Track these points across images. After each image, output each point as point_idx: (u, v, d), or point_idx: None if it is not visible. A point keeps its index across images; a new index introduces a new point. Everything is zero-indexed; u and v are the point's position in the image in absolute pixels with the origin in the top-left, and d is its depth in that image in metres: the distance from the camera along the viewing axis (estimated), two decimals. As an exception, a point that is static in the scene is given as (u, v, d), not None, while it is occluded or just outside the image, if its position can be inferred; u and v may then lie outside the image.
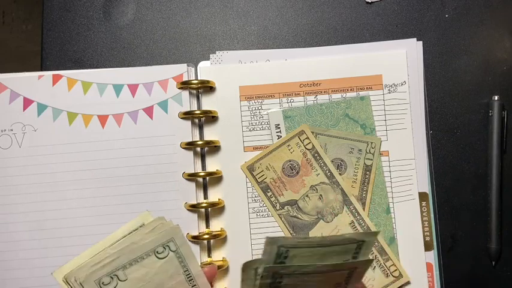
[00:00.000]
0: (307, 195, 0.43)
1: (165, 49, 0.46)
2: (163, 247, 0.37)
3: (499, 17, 0.45)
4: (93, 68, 0.46)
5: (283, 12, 0.46)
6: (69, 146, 0.43)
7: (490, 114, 0.44)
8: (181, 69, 0.43)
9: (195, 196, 0.43)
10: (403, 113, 0.44)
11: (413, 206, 0.43)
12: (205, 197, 0.44)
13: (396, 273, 0.43)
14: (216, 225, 0.43)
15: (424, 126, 0.44)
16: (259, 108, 0.44)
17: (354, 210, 0.43)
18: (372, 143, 0.44)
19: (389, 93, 0.44)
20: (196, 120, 0.44)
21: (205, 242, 0.43)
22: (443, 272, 0.43)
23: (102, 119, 0.43)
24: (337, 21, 0.46)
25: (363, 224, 0.43)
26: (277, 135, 0.44)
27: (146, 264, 0.37)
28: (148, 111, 0.43)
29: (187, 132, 0.43)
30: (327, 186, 0.43)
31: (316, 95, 0.44)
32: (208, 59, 0.46)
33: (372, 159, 0.43)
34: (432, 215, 0.44)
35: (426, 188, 0.44)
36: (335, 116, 0.44)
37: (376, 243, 0.43)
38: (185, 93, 0.43)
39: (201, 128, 0.44)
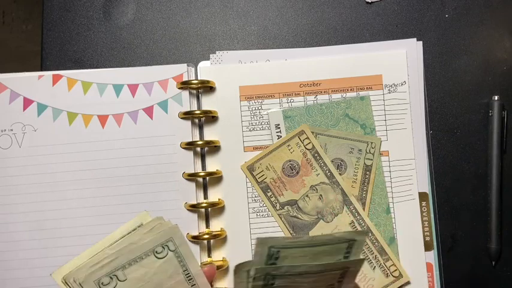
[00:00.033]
0: (307, 195, 0.43)
1: (165, 49, 0.46)
2: (162, 247, 0.37)
3: (499, 17, 0.45)
4: (93, 68, 0.46)
5: (283, 12, 0.46)
6: (69, 146, 0.43)
7: (490, 114, 0.44)
8: (181, 69, 0.43)
9: (195, 196, 0.43)
10: (403, 113, 0.44)
11: (413, 206, 0.43)
12: (205, 197, 0.44)
13: (396, 273, 0.43)
14: (216, 225, 0.43)
15: (424, 126, 0.44)
16: (259, 108, 0.44)
17: (354, 210, 0.43)
18: (372, 143, 0.44)
19: (389, 93, 0.44)
20: (196, 120, 0.44)
21: (205, 242, 0.43)
22: (443, 272, 0.43)
23: (102, 119, 0.43)
24: (337, 21, 0.46)
25: (363, 224, 0.43)
26: (277, 135, 0.44)
27: (145, 264, 0.37)
28: (148, 111, 0.43)
29: (187, 132, 0.43)
30: (327, 186, 0.43)
31: (316, 95, 0.44)
32: (208, 59, 0.46)
33: (372, 159, 0.43)
34: (432, 215, 0.44)
35: (426, 188, 0.44)
36: (335, 116, 0.44)
37: (376, 243, 0.43)
38: (185, 93, 0.43)
39: (201, 128, 0.44)
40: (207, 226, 0.43)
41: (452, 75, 0.45)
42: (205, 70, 0.44)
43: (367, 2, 0.46)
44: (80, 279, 0.36)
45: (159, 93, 0.43)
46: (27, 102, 0.43)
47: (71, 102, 0.43)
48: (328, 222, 0.43)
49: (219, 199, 0.43)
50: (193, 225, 0.42)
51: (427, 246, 0.43)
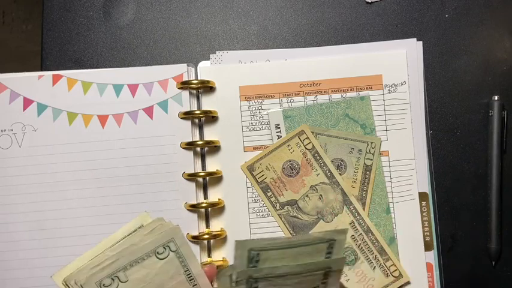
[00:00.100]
0: (307, 195, 0.43)
1: (165, 49, 0.46)
2: (164, 247, 0.37)
3: (499, 17, 0.45)
4: (93, 68, 0.46)
5: (283, 12, 0.46)
6: (69, 146, 0.43)
7: (490, 114, 0.44)
8: (181, 69, 0.43)
9: (195, 196, 0.43)
10: (403, 113, 0.44)
11: (413, 206, 0.43)
12: (205, 197, 0.44)
13: (396, 273, 0.43)
14: (216, 225, 0.43)
15: (424, 126, 0.44)
16: (259, 108, 0.44)
17: (354, 210, 0.43)
18: (372, 143, 0.44)
19: (389, 93, 0.44)
20: (196, 120, 0.44)
21: (205, 242, 0.43)
22: (443, 272, 0.43)
23: (102, 119, 0.43)
24: (337, 21, 0.46)
25: (363, 224, 0.43)
26: (277, 135, 0.44)
27: (147, 265, 0.37)
28: (148, 111, 0.43)
29: (187, 132, 0.43)
30: (327, 186, 0.43)
31: (316, 95, 0.44)
32: (208, 59, 0.46)
33: (372, 159, 0.43)
34: (432, 215, 0.44)
35: (426, 188, 0.44)
36: (335, 116, 0.44)
37: (376, 243, 0.43)
38: (185, 93, 0.43)
39: (201, 128, 0.44)
40: (207, 226, 0.43)
41: (452, 75, 0.45)
42: (205, 70, 0.44)
43: (367, 2, 0.46)
44: (81, 280, 0.36)
45: (159, 93, 0.43)
46: (27, 102, 0.43)
47: (71, 102, 0.43)
48: (328, 222, 0.43)
49: (219, 199, 0.43)
50: (193, 225, 0.42)
51: (427, 246, 0.43)
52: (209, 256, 0.43)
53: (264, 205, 0.43)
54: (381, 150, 0.44)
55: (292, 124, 0.44)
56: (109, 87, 0.43)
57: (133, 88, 0.43)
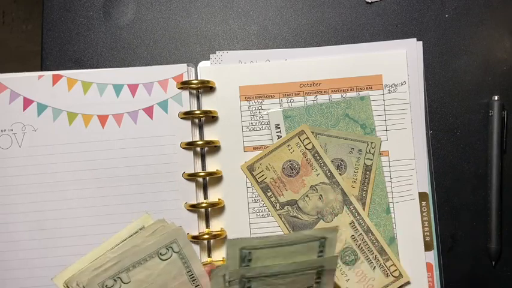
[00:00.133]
0: (307, 195, 0.43)
1: (165, 49, 0.46)
2: (167, 248, 0.37)
3: (499, 17, 0.45)
4: (93, 68, 0.46)
5: (283, 12, 0.46)
6: (69, 146, 0.43)
7: (490, 114, 0.44)
8: (181, 69, 0.43)
9: (195, 196, 0.43)
10: (403, 113, 0.44)
11: (413, 206, 0.43)
12: (205, 197, 0.44)
13: (396, 273, 0.43)
14: (216, 225, 0.43)
15: (424, 126, 0.44)
16: (259, 108, 0.44)
17: (354, 210, 0.43)
18: (372, 143, 0.44)
19: (389, 93, 0.44)
20: (196, 120, 0.44)
21: (205, 242, 0.43)
22: (443, 272, 0.43)
23: (102, 119, 0.43)
24: (337, 21, 0.46)
25: (363, 224, 0.43)
26: (277, 135, 0.44)
27: (149, 266, 0.37)
28: (148, 111, 0.43)
29: (187, 132, 0.43)
30: (327, 186, 0.43)
31: (316, 95, 0.44)
32: (208, 59, 0.46)
33: (372, 159, 0.43)
34: (432, 215, 0.44)
35: (426, 188, 0.44)
36: (335, 116, 0.44)
37: (376, 243, 0.43)
38: (185, 93, 0.43)
39: (201, 128, 0.44)
40: (207, 226, 0.43)
41: (452, 75, 0.45)
42: (205, 70, 0.44)
43: (367, 2, 0.46)
44: (84, 282, 0.36)
45: (159, 93, 0.43)
46: (27, 102, 0.43)
47: (71, 102, 0.43)
48: (328, 222, 0.43)
49: (219, 199, 0.43)
50: (193, 225, 0.42)
51: (427, 246, 0.43)
52: (209, 256, 0.43)
53: (264, 205, 0.43)
54: (380, 150, 0.44)
55: (292, 124, 0.44)
56: (109, 87, 0.43)
57: (133, 88, 0.43)
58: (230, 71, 0.44)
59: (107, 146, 0.43)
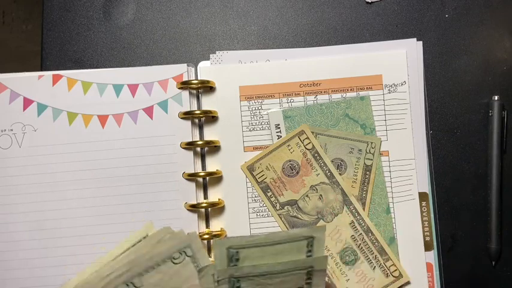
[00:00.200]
0: (307, 195, 0.43)
1: (165, 49, 0.46)
2: (180, 253, 0.37)
3: (499, 17, 0.45)
4: (93, 68, 0.46)
5: (283, 12, 0.46)
6: (69, 146, 0.43)
7: (490, 114, 0.44)
8: (181, 69, 0.43)
9: (195, 196, 0.43)
10: (403, 113, 0.44)
11: (413, 206, 0.43)
12: (205, 197, 0.44)
13: (396, 273, 0.43)
14: (216, 225, 0.43)
15: (424, 126, 0.44)
16: (259, 108, 0.44)
17: (354, 210, 0.43)
18: (372, 143, 0.44)
19: (389, 93, 0.44)
20: (196, 120, 0.44)
21: (206, 242, 0.43)
22: (443, 272, 0.43)
23: (102, 119, 0.43)
24: (337, 21, 0.46)
25: (363, 224, 0.43)
26: (277, 135, 0.44)
27: (162, 269, 0.37)
28: (148, 111, 0.43)
29: (187, 132, 0.43)
30: (327, 186, 0.43)
31: (316, 95, 0.44)
32: (208, 59, 0.46)
33: (372, 159, 0.43)
34: (432, 215, 0.44)
35: (426, 188, 0.44)
36: (335, 116, 0.44)
37: (376, 243, 0.43)
38: (185, 93, 0.43)
39: (201, 128, 0.44)
40: (207, 226, 0.43)
41: (452, 75, 0.45)
42: (205, 70, 0.44)
43: (367, 2, 0.46)
44: None
45: (159, 93, 0.43)
46: (27, 102, 0.43)
47: (71, 102, 0.43)
48: (328, 222, 0.43)
49: (219, 199, 0.43)
50: (193, 225, 0.42)
51: (427, 246, 0.43)
52: (209, 256, 0.43)
53: (264, 205, 0.43)
54: (380, 150, 0.44)
55: (292, 124, 0.44)
56: (109, 87, 0.43)
57: (133, 88, 0.43)
58: (230, 71, 0.44)
59: (107, 146, 0.43)
